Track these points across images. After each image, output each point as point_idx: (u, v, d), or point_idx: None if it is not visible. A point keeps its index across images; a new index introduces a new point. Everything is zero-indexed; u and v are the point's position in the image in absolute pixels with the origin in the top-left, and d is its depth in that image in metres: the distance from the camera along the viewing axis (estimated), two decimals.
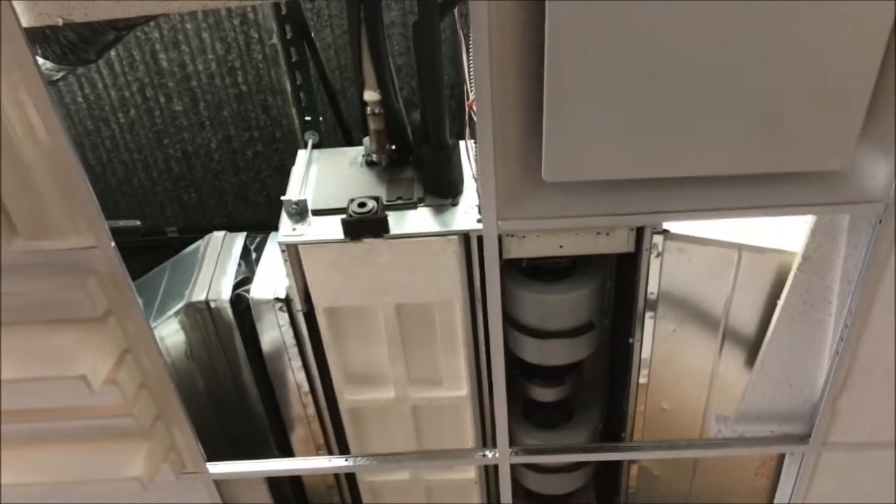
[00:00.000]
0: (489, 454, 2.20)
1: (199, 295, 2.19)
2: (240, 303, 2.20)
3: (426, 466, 2.27)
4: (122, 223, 2.14)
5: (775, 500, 2.30)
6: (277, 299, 2.15)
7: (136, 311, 1.78)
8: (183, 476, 2.12)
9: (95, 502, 2.09)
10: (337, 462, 2.20)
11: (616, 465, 2.71)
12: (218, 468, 2.14)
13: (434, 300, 2.09)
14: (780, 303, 1.87)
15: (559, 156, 1.49)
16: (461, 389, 2.30)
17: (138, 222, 2.29)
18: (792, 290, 1.85)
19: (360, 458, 2.22)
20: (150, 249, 2.84)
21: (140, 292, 2.22)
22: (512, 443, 2.18)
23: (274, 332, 2.23)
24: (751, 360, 2.12)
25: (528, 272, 2.20)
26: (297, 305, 2.11)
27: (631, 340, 2.24)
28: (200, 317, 2.20)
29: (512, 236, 2.04)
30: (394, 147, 2.11)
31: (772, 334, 1.93)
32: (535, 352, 2.30)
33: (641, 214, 1.61)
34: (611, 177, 1.55)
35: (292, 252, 1.99)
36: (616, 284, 2.31)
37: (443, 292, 2.06)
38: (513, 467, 2.73)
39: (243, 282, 2.23)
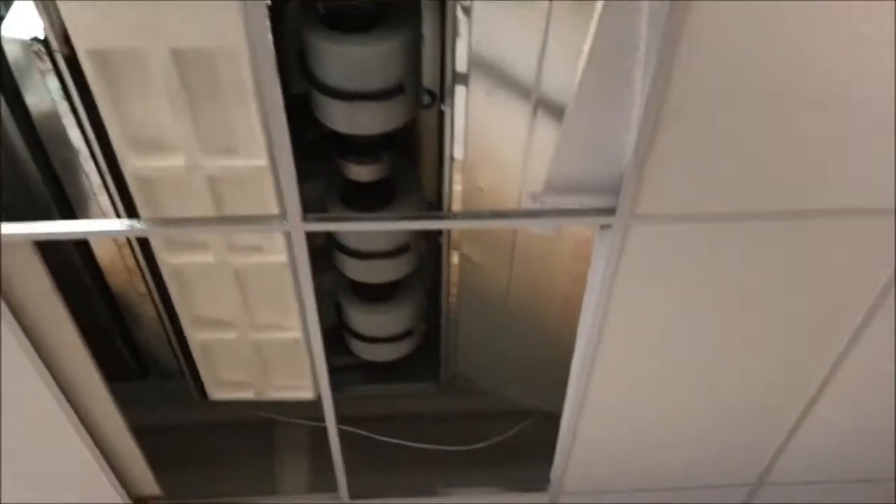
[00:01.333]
0: (282, 222, 2.03)
1: None
2: None
3: (214, 231, 2.09)
4: None
5: (588, 280, 2.23)
6: (35, 39, 1.86)
7: None
8: None
9: None
10: (114, 225, 1.99)
11: (437, 252, 2.61)
12: None
13: (214, 46, 1.84)
14: (585, 51, 1.71)
15: None
16: (259, 158, 2.09)
17: None
18: (597, 36, 1.68)
19: (146, 223, 2.02)
20: None
21: None
22: None
23: (36, 81, 1.95)
24: None
25: (330, 22, 1.98)
26: (56, 46, 1.84)
27: (442, 107, 2.07)
28: None
29: None
30: None
31: (577, 89, 1.78)
32: (343, 117, 2.11)
33: None
34: None
35: None
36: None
37: (223, 36, 1.81)
38: (334, 255, 2.63)
39: None
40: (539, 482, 3.11)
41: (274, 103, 1.74)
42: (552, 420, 2.81)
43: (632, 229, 2.02)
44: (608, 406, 2.63)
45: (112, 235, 2.25)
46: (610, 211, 2.00)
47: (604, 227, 2.06)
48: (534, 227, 2.24)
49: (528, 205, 2.22)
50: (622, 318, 2.26)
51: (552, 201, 2.05)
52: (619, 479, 3.12)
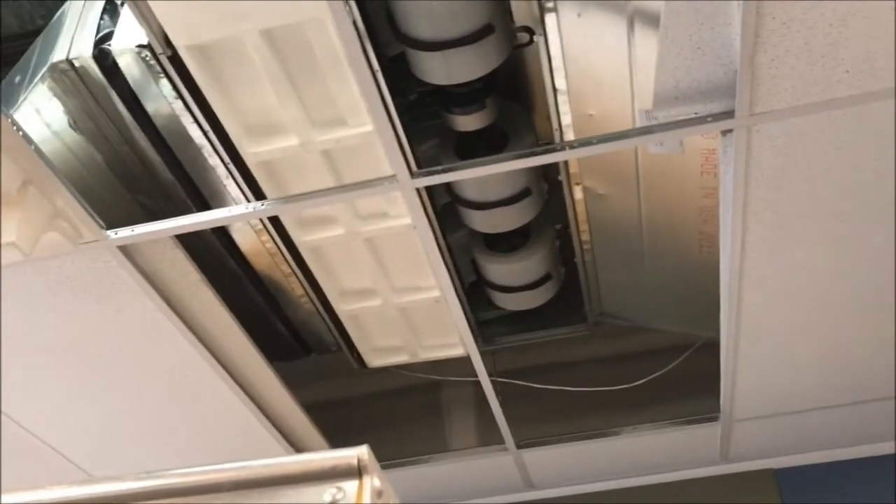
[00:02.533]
0: (392, 181, 2.05)
1: (59, 55, 2.03)
2: (104, 58, 2.03)
3: (330, 201, 2.13)
4: None
5: (720, 191, 2.11)
6: (140, 46, 1.98)
7: None
8: (83, 246, 2.05)
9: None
10: (240, 210, 2.09)
11: (560, 193, 2.56)
12: (120, 234, 2.06)
13: (300, 19, 1.88)
14: None
15: None
16: (366, 125, 2.13)
17: None
18: None
19: (267, 202, 2.11)
20: None
21: (18, 71, 2.08)
22: None
23: (152, 88, 2.08)
24: None
25: None
26: (159, 49, 1.94)
27: (533, 37, 2.01)
28: (68, 79, 2.05)
29: None
30: None
31: None
32: (438, 69, 2.10)
33: None
34: None
35: None
36: None
37: (307, 8, 1.85)
38: (454, 209, 2.64)
39: (109, 37, 2.06)
40: (709, 413, 3.00)
41: (363, 65, 1.76)
42: (713, 347, 2.69)
43: (755, 129, 1.89)
44: (766, 323, 2.49)
45: (238, 219, 2.36)
46: (728, 114, 1.87)
47: (725, 132, 1.94)
48: (653, 148, 2.14)
49: (642, 124, 2.13)
50: (762, 224, 2.12)
51: (665, 115, 1.95)
52: (795, 400, 2.95)
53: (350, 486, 0.68)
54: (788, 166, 1.98)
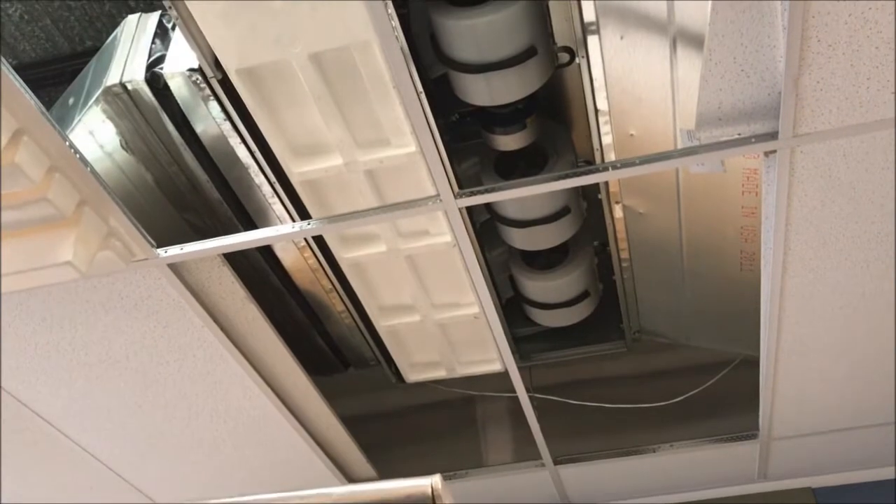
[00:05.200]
0: (437, 201, 2.08)
1: (113, 78, 2.09)
2: (156, 81, 2.09)
3: (374, 221, 2.17)
4: None
5: (762, 211, 2.11)
6: (191, 70, 2.03)
7: (19, 90, 1.69)
8: (134, 264, 2.10)
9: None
10: (286, 229, 2.13)
11: (600, 210, 2.57)
12: (169, 252, 2.11)
13: (348, 43, 1.92)
14: None
15: None
16: (409, 146, 2.16)
17: None
18: None
19: (313, 222, 2.15)
20: None
21: (71, 93, 2.14)
22: None
23: (201, 110, 2.13)
24: None
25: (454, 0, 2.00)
26: (209, 72, 1.99)
27: (577, 59, 2.03)
28: (121, 101, 2.11)
29: None
30: None
31: (712, 9, 1.69)
32: (481, 90, 2.12)
33: None
34: None
35: (181, 7, 1.84)
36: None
37: (355, 32, 1.89)
38: (493, 226, 2.66)
39: (160, 60, 2.11)
40: (747, 430, 2.99)
41: (409, 88, 1.79)
42: (751, 365, 2.69)
43: (799, 150, 1.89)
44: (807, 341, 2.48)
45: (285, 238, 2.40)
46: (772, 135, 1.88)
47: (768, 153, 1.95)
48: (694, 167, 2.15)
49: (684, 144, 2.14)
50: (804, 244, 2.12)
51: (708, 136, 1.96)
52: (835, 418, 2.93)
53: None
54: (831, 186, 1.98)
